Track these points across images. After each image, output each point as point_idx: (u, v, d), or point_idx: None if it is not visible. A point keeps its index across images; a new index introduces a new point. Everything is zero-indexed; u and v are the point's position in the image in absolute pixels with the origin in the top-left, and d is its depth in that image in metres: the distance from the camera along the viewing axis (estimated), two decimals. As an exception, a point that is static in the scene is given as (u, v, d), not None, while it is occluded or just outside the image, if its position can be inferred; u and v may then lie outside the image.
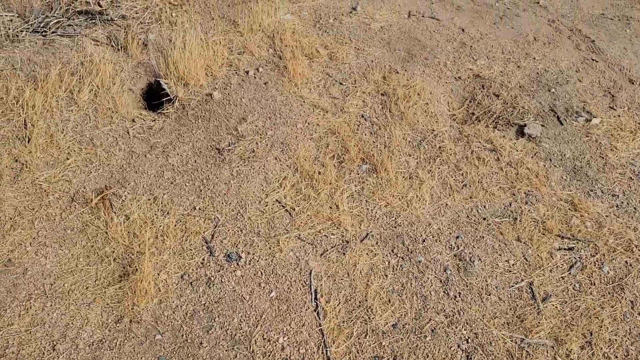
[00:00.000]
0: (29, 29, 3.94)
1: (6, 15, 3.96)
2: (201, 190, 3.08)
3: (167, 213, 2.92)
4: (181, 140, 3.39)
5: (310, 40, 4.39)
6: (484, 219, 3.09)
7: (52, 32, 3.94)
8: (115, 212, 2.87)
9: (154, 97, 3.96)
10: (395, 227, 3.00)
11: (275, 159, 3.32)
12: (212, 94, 3.73)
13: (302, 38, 4.40)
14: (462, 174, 3.36)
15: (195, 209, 2.98)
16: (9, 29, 3.84)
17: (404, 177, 3.31)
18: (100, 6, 4.30)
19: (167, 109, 3.65)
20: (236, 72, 3.98)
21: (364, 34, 4.58)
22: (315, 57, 4.22)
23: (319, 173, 3.25)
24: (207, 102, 3.69)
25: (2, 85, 3.44)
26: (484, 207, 3.17)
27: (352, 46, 4.41)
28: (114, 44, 4.08)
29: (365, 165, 3.35)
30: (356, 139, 3.53)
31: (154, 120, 3.57)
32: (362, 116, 3.73)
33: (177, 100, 3.69)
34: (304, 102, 3.77)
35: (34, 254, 2.64)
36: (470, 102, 4.07)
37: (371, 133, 3.61)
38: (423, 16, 4.94)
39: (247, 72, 3.99)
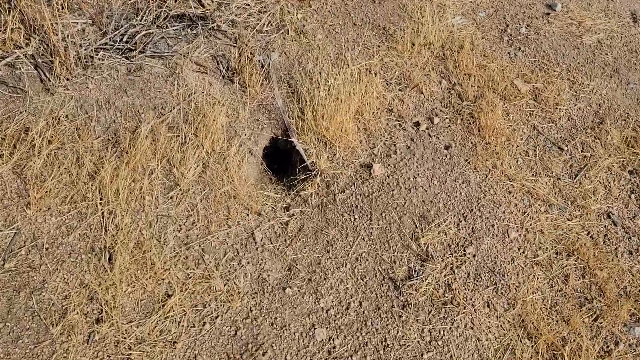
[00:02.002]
0: (107, 46, 2.73)
1: (76, 23, 2.75)
2: (378, 371, 1.86)
3: (329, 421, 1.74)
4: (333, 255, 2.16)
5: (500, 66, 2.93)
6: None
7: (140, 52, 2.71)
8: (245, 416, 1.72)
9: (280, 156, 2.73)
10: None
11: (488, 305, 2.03)
12: (372, 168, 2.42)
13: (488, 61, 2.95)
14: None
15: (372, 412, 1.78)
16: (81, 46, 2.64)
17: None
18: (203, 6, 3.00)
19: (305, 188, 2.40)
20: (400, 124, 2.64)
21: (576, 53, 3.06)
22: (512, 98, 2.78)
23: (564, 342, 1.94)
24: (363, 182, 2.39)
25: (71, 150, 2.29)
26: None
27: (563, 76, 2.91)
28: (223, 69, 2.81)
29: (638, 328, 2.00)
30: (609, 266, 2.16)
31: (288, 209, 2.34)
32: (609, 216, 2.33)
33: (318, 174, 2.43)
34: (512, 186, 2.41)
35: None
36: None
37: (630, 252, 2.22)
38: (657, 22, 3.31)
39: (417, 125, 2.64)
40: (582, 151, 2.56)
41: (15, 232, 2.04)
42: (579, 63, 3.00)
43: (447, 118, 2.67)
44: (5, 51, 2.55)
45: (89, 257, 2.02)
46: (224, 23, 2.96)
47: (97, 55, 2.66)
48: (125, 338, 1.84)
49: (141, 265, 2.01)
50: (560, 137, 2.63)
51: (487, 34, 3.15)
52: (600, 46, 3.12)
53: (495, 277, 2.10)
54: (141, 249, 2.05)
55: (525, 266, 2.14)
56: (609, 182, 2.43)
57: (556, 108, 2.75)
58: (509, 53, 3.03)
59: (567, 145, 2.59)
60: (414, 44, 2.99)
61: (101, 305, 1.90)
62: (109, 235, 2.06)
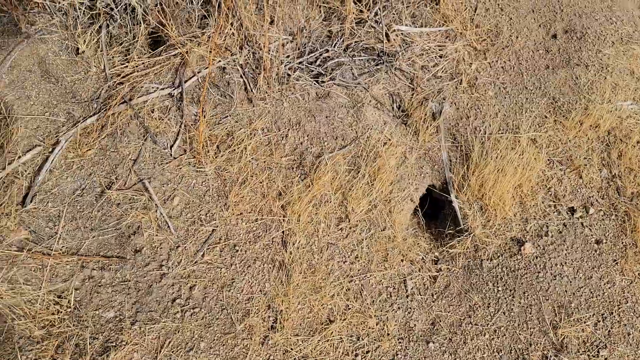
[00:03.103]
0: (302, 65, 2.98)
1: (284, 39, 3.01)
2: None
3: None
4: (473, 321, 2.35)
5: (665, 168, 2.92)
6: None
7: (330, 78, 2.95)
8: None
9: (431, 201, 2.91)
10: None
11: (611, 411, 2.17)
12: (523, 245, 2.56)
13: (654, 160, 2.95)
14: None
15: None
16: (281, 62, 2.91)
17: None
18: (388, 40, 3.18)
19: (454, 245, 2.59)
20: (556, 206, 2.73)
21: None
22: (672, 205, 2.79)
23: None
24: (511, 256, 2.54)
25: (265, 163, 2.59)
26: None
27: None
28: (396, 108, 3.00)
29: None
30: None
31: (436, 263, 2.54)
32: None
33: (470, 237, 2.60)
34: (655, 298, 2.47)
35: None
36: None
37: None
38: None
39: (572, 212, 2.72)
40: None
41: (213, 229, 2.39)
42: None
43: (602, 210, 2.74)
44: (220, 55, 2.86)
45: (270, 267, 2.33)
46: (405, 62, 3.13)
47: (293, 73, 2.92)
48: (292, 349, 2.15)
49: (311, 286, 2.30)
50: None
51: (657, 128, 3.12)
52: None
53: (623, 386, 2.22)
54: (312, 272, 2.33)
55: (654, 384, 2.24)
56: None
57: None
58: (676, 155, 3.00)
59: None
60: (582, 123, 3.03)
61: (276, 315, 2.22)
62: (287, 252, 2.36)
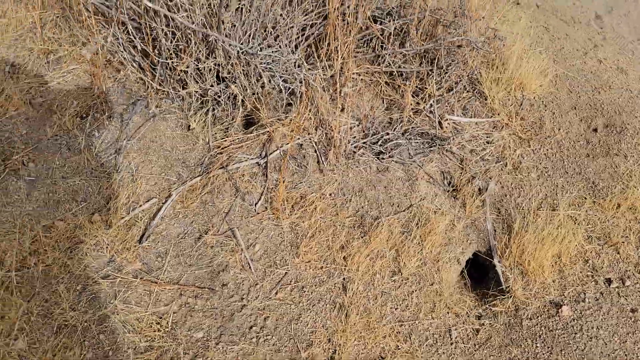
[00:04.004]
0: (365, 145, 3.57)
1: (351, 123, 3.65)
2: None
3: None
4: (512, 371, 2.61)
5: (703, 248, 3.14)
6: None
7: (389, 157, 3.51)
8: None
9: (474, 265, 3.26)
10: None
11: None
12: (561, 308, 2.84)
13: (691, 241, 3.18)
14: None
15: None
16: (349, 142, 3.52)
17: None
18: (441, 127, 3.74)
19: (496, 304, 2.90)
20: (593, 276, 3.01)
21: None
22: None
23: None
24: (549, 317, 2.82)
25: (331, 221, 3.10)
26: None
27: None
28: (446, 183, 3.48)
29: None
30: None
31: (479, 318, 2.86)
32: None
33: (511, 298, 2.91)
34: (691, 367, 2.63)
35: None
36: None
37: None
38: None
39: (609, 282, 2.99)
40: None
41: (286, 272, 2.88)
42: None
43: (638, 283, 2.98)
44: (299, 134, 3.52)
45: (331, 307, 2.76)
46: (455, 146, 3.65)
47: (358, 151, 3.51)
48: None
49: (366, 326, 2.69)
50: None
51: (695, 212, 3.37)
52: None
53: None
54: (367, 314, 2.73)
55: None
56: None
57: None
58: None
59: None
60: (619, 205, 3.35)
61: (335, 347, 2.61)
62: (347, 296, 2.79)
